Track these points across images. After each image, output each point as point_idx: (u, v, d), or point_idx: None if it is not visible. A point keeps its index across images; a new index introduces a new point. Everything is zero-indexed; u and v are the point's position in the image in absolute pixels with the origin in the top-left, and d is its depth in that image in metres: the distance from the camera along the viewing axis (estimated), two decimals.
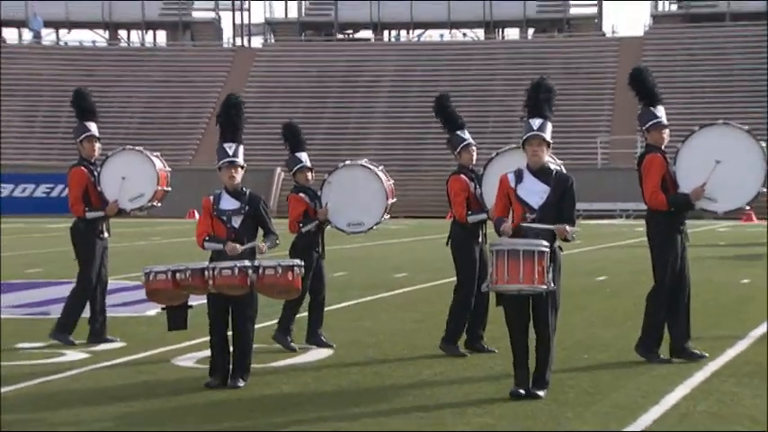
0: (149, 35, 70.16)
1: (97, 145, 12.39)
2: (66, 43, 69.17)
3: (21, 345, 12.26)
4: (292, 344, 11.84)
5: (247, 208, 9.94)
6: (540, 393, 9.15)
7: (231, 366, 9.88)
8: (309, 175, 12.09)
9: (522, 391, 9.14)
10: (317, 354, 11.74)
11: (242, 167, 10.03)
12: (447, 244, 11.64)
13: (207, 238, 9.91)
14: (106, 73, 62.47)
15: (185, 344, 11.84)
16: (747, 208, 11.08)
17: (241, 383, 9.78)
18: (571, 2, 67.26)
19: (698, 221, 37.54)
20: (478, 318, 11.53)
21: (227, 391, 9.71)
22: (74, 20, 68.33)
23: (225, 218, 9.90)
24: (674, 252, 10.68)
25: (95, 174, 12.23)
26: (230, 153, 10.00)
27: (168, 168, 12.73)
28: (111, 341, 12.22)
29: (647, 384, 9.83)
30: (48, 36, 69.58)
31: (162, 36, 70.23)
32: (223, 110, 10.26)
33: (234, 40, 69.18)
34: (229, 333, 9.99)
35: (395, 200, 12.37)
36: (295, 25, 68.23)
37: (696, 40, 61.75)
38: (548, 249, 9.05)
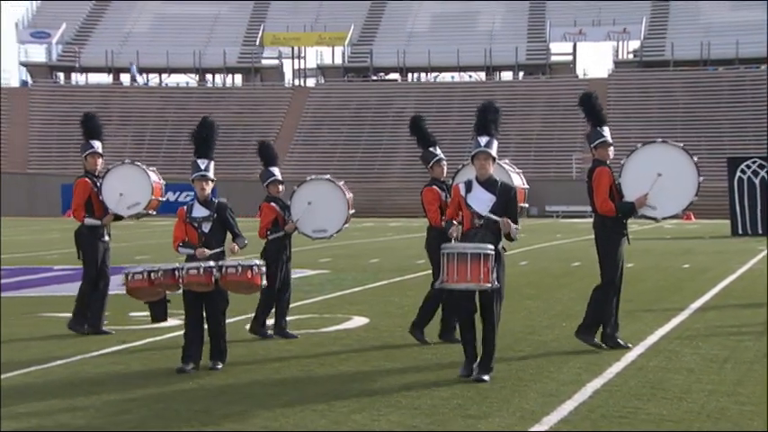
0: (229, 78, 70.28)
1: (99, 160, 11.19)
2: (166, 84, 69.37)
3: (131, 314, 12.30)
4: (269, 333, 10.60)
5: (216, 215, 8.95)
6: (485, 378, 8.12)
7: (210, 352, 8.89)
8: (280, 187, 10.77)
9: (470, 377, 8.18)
10: (357, 321, 11.71)
11: (212, 180, 9.05)
12: (425, 247, 10.51)
13: (181, 244, 8.96)
14: (195, 107, 62.47)
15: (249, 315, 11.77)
16: (682, 214, 10.20)
17: (219, 365, 8.81)
18: (552, 51, 67.03)
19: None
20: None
21: (293, 353, 9.69)
22: (172, 66, 68.55)
23: (196, 224, 8.94)
24: (620, 252, 9.68)
25: (98, 185, 11.12)
26: (202, 168, 9.01)
27: (163, 181, 11.51)
28: (108, 333, 10.93)
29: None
30: (153, 79, 69.89)
31: (238, 78, 70.29)
32: (197, 130, 9.23)
33: (293, 81, 69.20)
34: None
35: (354, 211, 11.07)
36: (340, 69, 68.19)
37: (648, 81, 61.44)
38: (492, 252, 8.08)
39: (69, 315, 11.23)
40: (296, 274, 18.00)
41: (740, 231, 30.72)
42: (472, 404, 7.31)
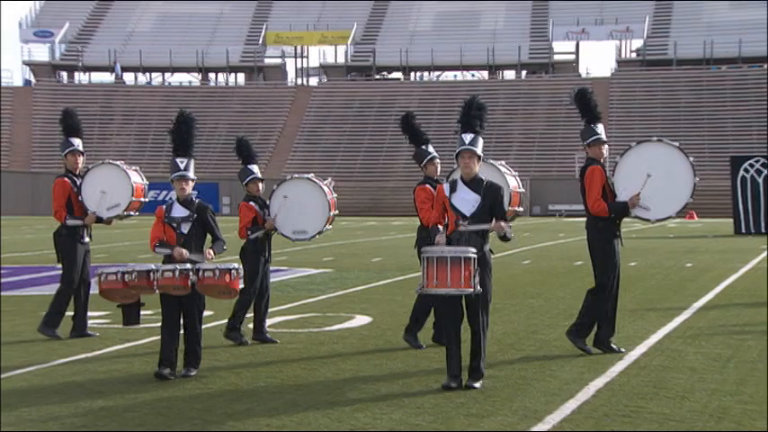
0: (232, 76, 70.33)
1: (80, 158, 10.82)
2: (169, 83, 69.46)
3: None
4: (244, 338, 10.11)
5: (195, 216, 8.58)
6: (476, 385, 7.75)
7: (184, 358, 8.54)
8: (260, 185, 10.35)
9: (453, 385, 7.74)
10: (360, 320, 11.70)
11: (192, 180, 8.67)
12: (415, 247, 9.95)
13: (158, 244, 8.61)
14: (199, 105, 62.53)
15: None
16: (675, 216, 9.88)
17: (192, 372, 8.46)
18: (555, 49, 67.01)
19: None
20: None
21: (295, 351, 9.68)
22: (175, 65, 68.67)
23: (175, 225, 8.56)
24: (614, 254, 9.25)
25: (78, 184, 10.73)
26: (182, 167, 8.63)
27: (145, 181, 11.03)
28: (91, 335, 10.63)
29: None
30: (156, 78, 69.97)
31: (241, 77, 70.35)
32: (175, 126, 8.80)
33: (296, 80, 69.26)
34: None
35: (337, 212, 10.63)
36: (342, 68, 68.24)
37: (650, 79, 61.44)
38: (474, 255, 7.64)
39: (71, 314, 10.99)
40: (299, 272, 18.06)
41: (743, 230, 30.72)
42: (475, 403, 7.30)
